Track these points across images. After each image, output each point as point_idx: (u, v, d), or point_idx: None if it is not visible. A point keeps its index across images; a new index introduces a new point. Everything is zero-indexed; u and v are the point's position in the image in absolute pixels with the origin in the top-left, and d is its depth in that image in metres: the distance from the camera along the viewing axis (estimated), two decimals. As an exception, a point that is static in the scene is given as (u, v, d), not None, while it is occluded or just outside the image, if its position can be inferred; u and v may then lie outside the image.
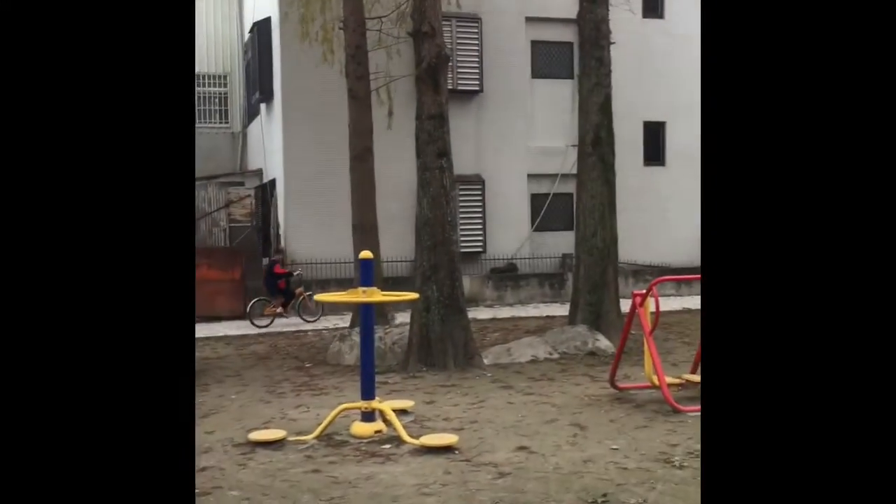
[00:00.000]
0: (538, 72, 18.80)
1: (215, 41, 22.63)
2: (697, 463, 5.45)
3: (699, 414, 6.91)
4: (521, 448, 5.96)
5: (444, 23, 11.67)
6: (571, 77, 17.59)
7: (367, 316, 6.73)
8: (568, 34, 17.43)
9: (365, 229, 12.38)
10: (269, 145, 18.85)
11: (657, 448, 5.88)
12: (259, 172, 19.73)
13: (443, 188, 9.84)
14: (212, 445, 6.26)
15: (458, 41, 17.71)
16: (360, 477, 5.36)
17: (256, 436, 6.35)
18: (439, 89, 9.92)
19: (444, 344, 9.62)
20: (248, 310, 14.99)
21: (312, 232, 16.91)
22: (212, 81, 22.58)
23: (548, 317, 14.58)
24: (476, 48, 17.96)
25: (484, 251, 18.17)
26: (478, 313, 14.73)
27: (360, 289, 6.60)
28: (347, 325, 12.83)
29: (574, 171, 12.82)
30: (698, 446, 5.87)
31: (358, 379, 7.01)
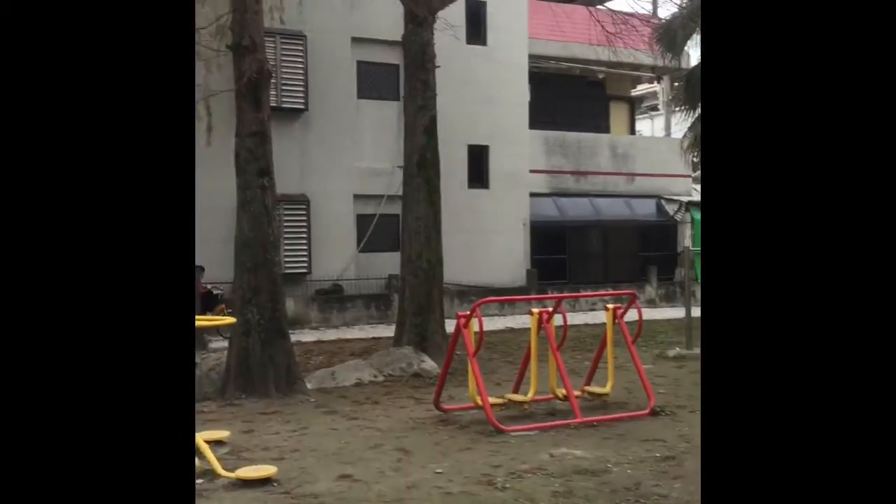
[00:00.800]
0: (364, 92, 18.70)
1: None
2: (519, 484, 5.48)
3: (522, 433, 7.02)
4: (344, 476, 5.76)
5: (267, 38, 11.36)
6: (398, 99, 17.60)
7: (180, 342, 6.33)
8: (394, 56, 17.42)
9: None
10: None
11: (480, 470, 5.86)
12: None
13: (264, 208, 9.50)
14: None
15: (283, 58, 17.32)
16: (168, 517, 4.97)
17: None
18: (261, 106, 9.61)
19: (264, 369, 9.24)
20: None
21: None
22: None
23: (374, 338, 14.42)
24: (301, 66, 17.62)
25: (309, 272, 17.79)
26: (302, 336, 14.37)
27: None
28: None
29: (400, 192, 12.81)
30: (521, 466, 5.92)
31: (169, 410, 6.56)
